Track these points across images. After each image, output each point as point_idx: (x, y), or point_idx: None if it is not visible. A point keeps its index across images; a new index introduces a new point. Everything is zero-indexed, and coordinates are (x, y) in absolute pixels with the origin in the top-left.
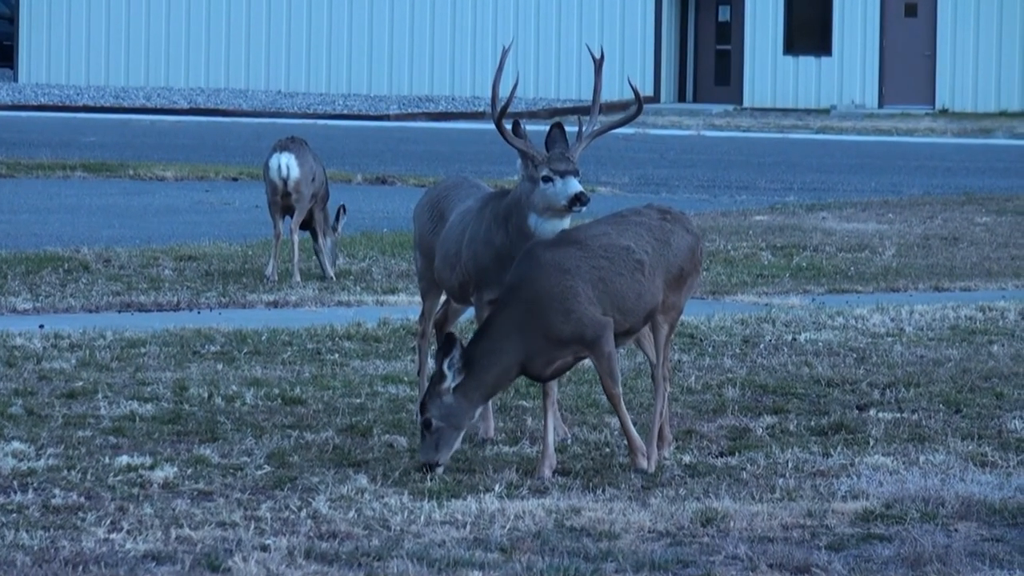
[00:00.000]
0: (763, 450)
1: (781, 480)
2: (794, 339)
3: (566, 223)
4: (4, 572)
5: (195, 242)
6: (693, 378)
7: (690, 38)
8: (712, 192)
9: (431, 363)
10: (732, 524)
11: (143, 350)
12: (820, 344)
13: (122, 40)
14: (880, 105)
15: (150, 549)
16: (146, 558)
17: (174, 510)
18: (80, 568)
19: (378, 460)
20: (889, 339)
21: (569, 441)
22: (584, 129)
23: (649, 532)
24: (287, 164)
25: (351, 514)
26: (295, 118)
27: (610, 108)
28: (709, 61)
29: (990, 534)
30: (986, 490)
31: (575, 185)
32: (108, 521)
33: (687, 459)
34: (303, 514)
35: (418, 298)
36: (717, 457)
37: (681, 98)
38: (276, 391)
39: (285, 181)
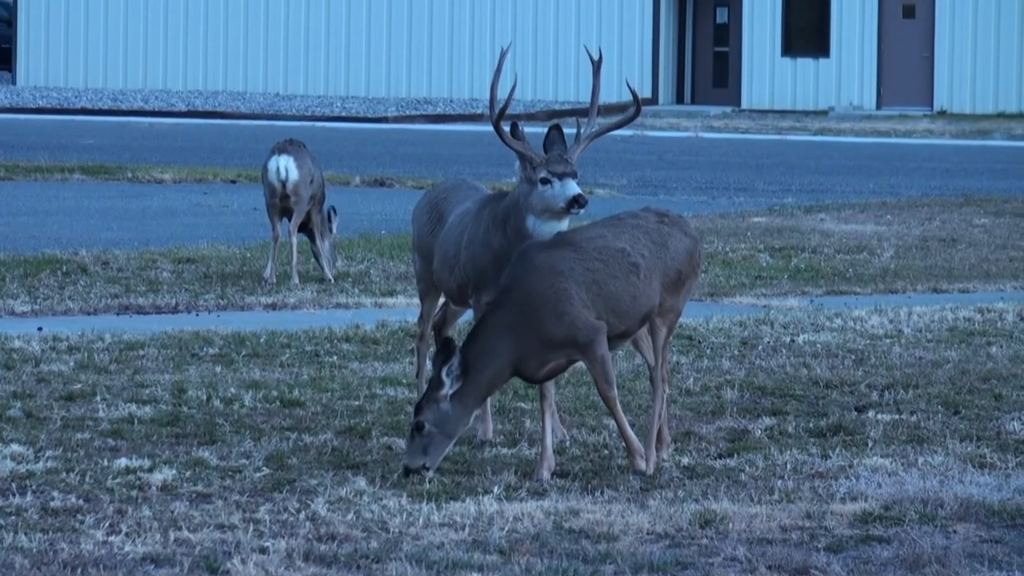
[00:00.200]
0: (762, 452)
1: (780, 482)
2: (792, 341)
3: (564, 225)
4: (3, 575)
5: (193, 244)
6: (691, 380)
7: (688, 40)
8: (710, 194)
9: (429, 366)
10: (731, 526)
11: (141, 352)
12: (818, 346)
13: (120, 42)
14: (878, 107)
15: (149, 551)
16: (145, 560)
17: (173, 512)
18: (79, 571)
19: (377, 462)
20: (887, 340)
21: (567, 443)
22: (582, 131)
23: (648, 534)
24: (286, 167)
25: (350, 516)
26: (293, 120)
27: (608, 110)
28: (707, 63)
29: (989, 535)
30: (985, 491)
31: (573, 187)
32: (107, 523)
33: (686, 461)
34: (302, 516)
35: (416, 300)
36: (716, 459)
37: (679, 100)
38: (274, 393)
39: (284, 183)
